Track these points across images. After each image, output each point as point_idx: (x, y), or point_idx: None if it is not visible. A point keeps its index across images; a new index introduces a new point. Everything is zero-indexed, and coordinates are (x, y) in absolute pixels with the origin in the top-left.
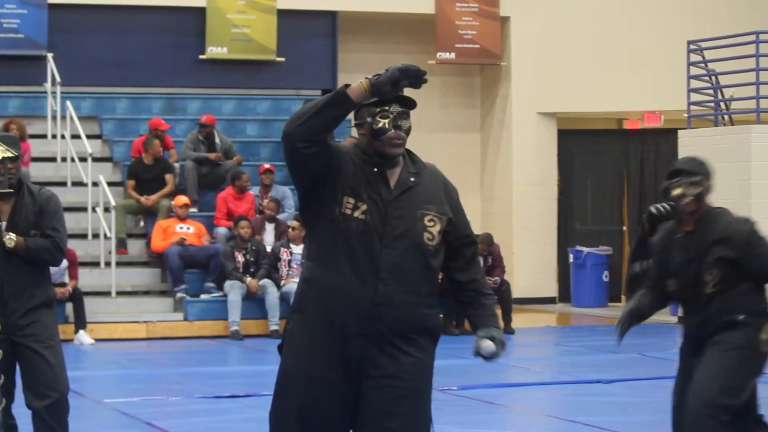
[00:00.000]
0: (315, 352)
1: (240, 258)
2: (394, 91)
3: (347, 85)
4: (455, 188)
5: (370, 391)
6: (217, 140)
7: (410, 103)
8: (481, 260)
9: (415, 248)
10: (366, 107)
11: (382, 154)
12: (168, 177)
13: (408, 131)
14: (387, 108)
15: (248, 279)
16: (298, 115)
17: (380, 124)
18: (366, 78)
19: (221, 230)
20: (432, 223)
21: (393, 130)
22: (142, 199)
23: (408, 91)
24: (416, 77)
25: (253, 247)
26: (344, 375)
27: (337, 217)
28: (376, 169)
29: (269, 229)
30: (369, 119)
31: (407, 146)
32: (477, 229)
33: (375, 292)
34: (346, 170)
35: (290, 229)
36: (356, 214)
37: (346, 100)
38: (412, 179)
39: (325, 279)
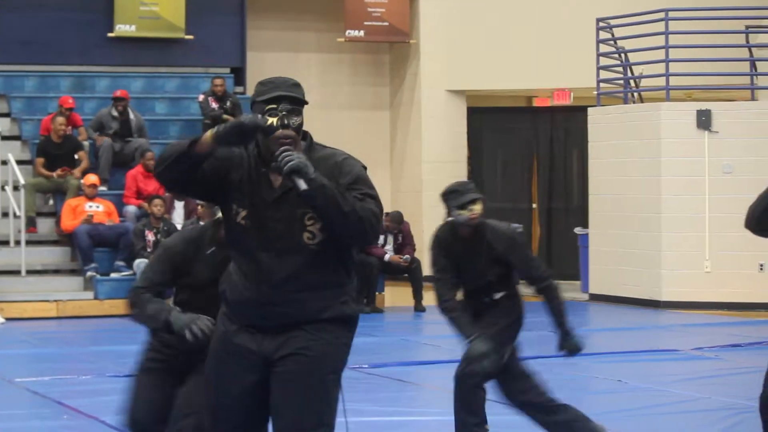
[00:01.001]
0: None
1: (150, 237)
2: (242, 140)
3: (196, 140)
4: (354, 165)
5: (272, 377)
6: (131, 116)
7: (299, 101)
8: (392, 238)
9: (295, 249)
10: (257, 104)
11: (272, 152)
12: (81, 154)
13: (298, 129)
14: (275, 106)
15: None
16: (159, 161)
17: (268, 122)
18: (211, 130)
19: (131, 209)
20: (311, 222)
21: (281, 129)
22: (56, 174)
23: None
24: (253, 130)
25: (165, 227)
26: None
27: (230, 224)
28: (264, 170)
29: (178, 208)
30: (259, 117)
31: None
32: (387, 206)
33: (258, 293)
34: (234, 178)
35: (199, 207)
36: (238, 219)
37: (193, 154)
38: (344, 172)
39: (227, 282)
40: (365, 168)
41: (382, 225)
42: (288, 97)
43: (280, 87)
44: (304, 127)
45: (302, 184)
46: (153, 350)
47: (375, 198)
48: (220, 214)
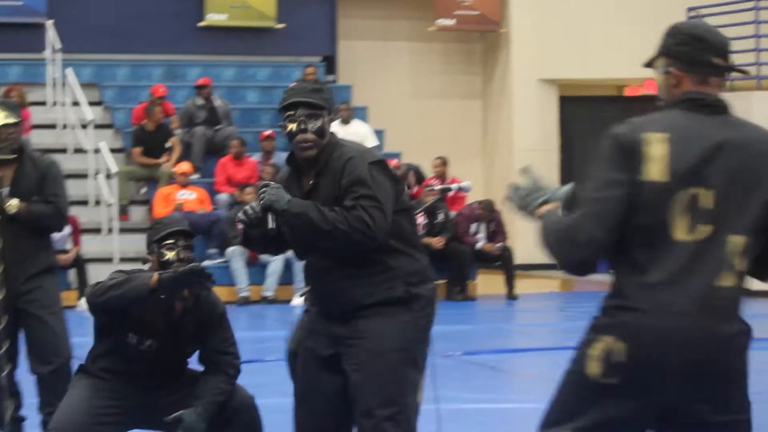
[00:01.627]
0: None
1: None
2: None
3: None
4: (356, 167)
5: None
6: (217, 103)
7: (318, 106)
8: (484, 227)
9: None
10: (281, 111)
11: (298, 157)
12: (173, 140)
13: (319, 132)
14: (293, 112)
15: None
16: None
17: (288, 128)
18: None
19: (222, 196)
20: None
21: (299, 134)
22: (163, 160)
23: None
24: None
25: None
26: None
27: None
28: (295, 174)
29: None
30: (281, 125)
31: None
32: (479, 195)
33: (316, 283)
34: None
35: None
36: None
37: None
38: (312, 181)
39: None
40: (380, 162)
41: (383, 226)
42: (304, 103)
43: (298, 93)
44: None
45: (270, 222)
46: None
47: (372, 198)
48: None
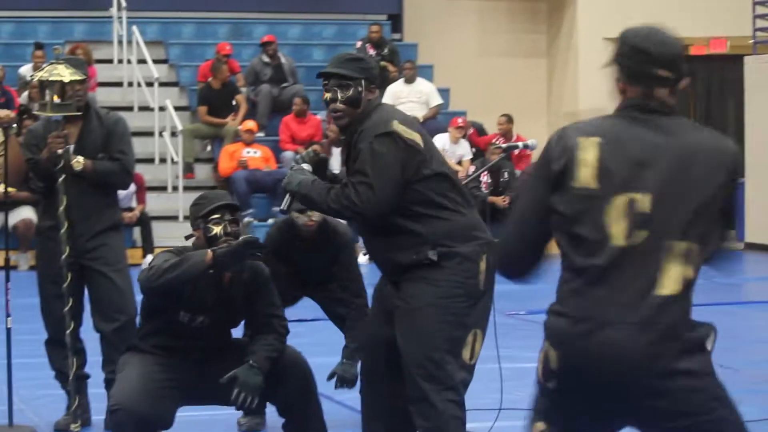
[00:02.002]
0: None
1: None
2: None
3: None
4: (369, 146)
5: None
6: (283, 60)
7: (348, 76)
8: None
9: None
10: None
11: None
12: (239, 98)
13: (349, 101)
14: (327, 82)
15: None
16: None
17: (324, 97)
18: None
19: (287, 154)
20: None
21: (331, 103)
22: (229, 119)
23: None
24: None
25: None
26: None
27: None
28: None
29: (335, 154)
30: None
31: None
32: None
33: (368, 250)
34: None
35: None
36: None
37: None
38: (360, 143)
39: None
40: (388, 134)
41: (372, 201)
42: (336, 74)
43: (333, 63)
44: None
45: (284, 202)
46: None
47: (362, 173)
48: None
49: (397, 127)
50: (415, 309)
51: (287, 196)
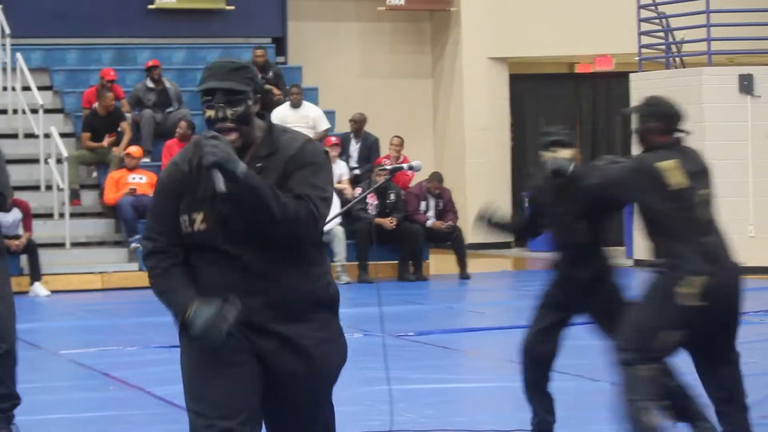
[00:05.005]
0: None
1: None
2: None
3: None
4: (314, 153)
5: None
6: (167, 85)
7: (237, 90)
8: (433, 204)
9: (258, 239)
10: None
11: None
12: (123, 125)
13: (240, 118)
14: (210, 98)
15: None
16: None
17: (207, 115)
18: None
19: None
20: None
21: (219, 122)
22: (106, 142)
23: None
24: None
25: None
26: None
27: (186, 235)
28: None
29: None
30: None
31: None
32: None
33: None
34: (188, 189)
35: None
36: (196, 226)
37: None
38: (259, 164)
39: None
40: (327, 152)
41: (326, 217)
42: (222, 89)
43: (216, 75)
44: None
45: (220, 183)
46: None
47: (323, 189)
48: None
49: None
50: (328, 379)
51: (217, 175)
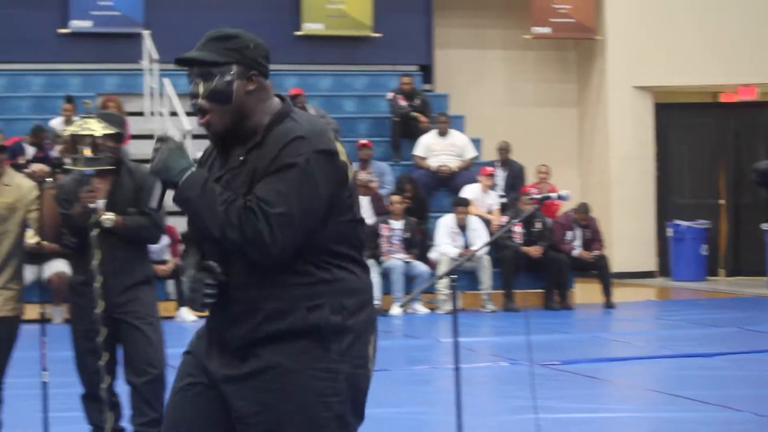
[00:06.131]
0: None
1: None
2: None
3: None
4: (296, 152)
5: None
6: (312, 112)
7: (210, 62)
8: (580, 233)
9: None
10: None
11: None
12: None
13: (213, 95)
14: (189, 71)
15: None
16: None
17: (189, 90)
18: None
19: None
20: None
21: (193, 98)
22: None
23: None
24: None
25: None
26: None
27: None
28: (219, 147)
29: (365, 205)
30: None
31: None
32: (575, 204)
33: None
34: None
35: (391, 204)
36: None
37: None
38: (242, 157)
39: None
40: (329, 154)
41: (286, 244)
42: (195, 60)
43: (197, 45)
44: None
45: (154, 198)
46: None
47: (281, 202)
48: None
49: (338, 145)
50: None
51: (158, 188)
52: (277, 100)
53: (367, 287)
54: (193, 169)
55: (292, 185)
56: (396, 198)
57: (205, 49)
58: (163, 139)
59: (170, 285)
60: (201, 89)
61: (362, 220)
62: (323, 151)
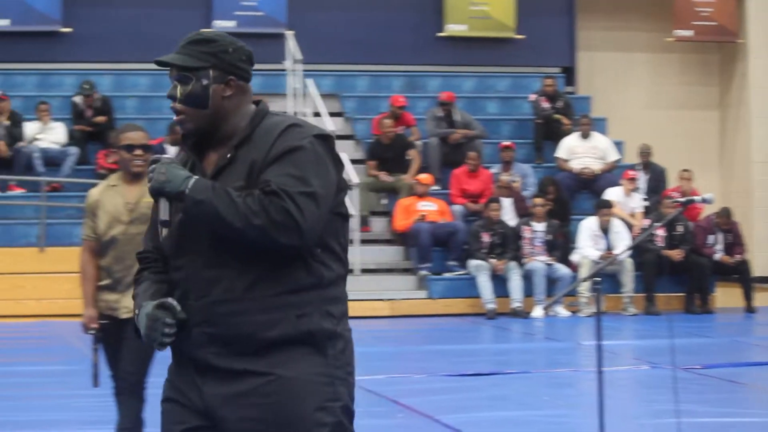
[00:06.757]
0: None
1: (486, 238)
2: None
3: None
4: (296, 137)
5: None
6: (456, 117)
7: (186, 67)
8: (721, 237)
9: (205, 254)
10: None
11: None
12: (412, 153)
13: (190, 98)
14: (170, 75)
15: (494, 261)
16: None
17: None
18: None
19: (456, 208)
20: None
21: (172, 101)
22: (381, 175)
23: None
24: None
25: (501, 229)
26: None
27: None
28: (195, 158)
29: (507, 206)
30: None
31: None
32: (716, 208)
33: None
34: None
35: (533, 206)
36: (162, 236)
37: None
38: (229, 154)
39: None
40: (327, 138)
41: (315, 223)
42: (174, 65)
43: (177, 48)
44: None
45: (163, 211)
46: None
47: (304, 182)
48: None
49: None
50: None
51: (162, 202)
52: (252, 105)
53: (346, 295)
54: (193, 176)
55: (305, 167)
56: (538, 200)
57: (183, 52)
58: (155, 161)
59: None
60: (178, 92)
61: (347, 215)
62: (322, 136)
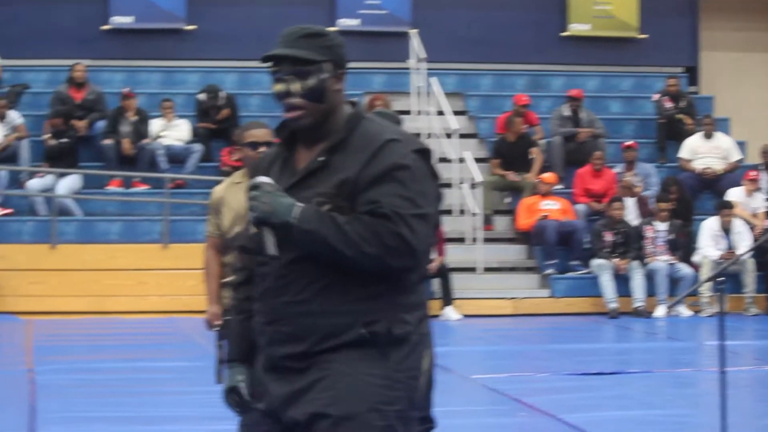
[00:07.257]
0: None
1: (609, 237)
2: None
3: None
4: (396, 153)
5: None
6: (582, 115)
7: (307, 60)
8: None
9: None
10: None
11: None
12: (534, 152)
13: (311, 94)
14: (278, 69)
15: (616, 260)
16: None
17: (275, 90)
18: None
19: (580, 207)
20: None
21: (285, 98)
22: (510, 175)
23: None
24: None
25: (623, 229)
26: None
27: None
28: (286, 148)
29: (630, 206)
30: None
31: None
32: None
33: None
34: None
35: (656, 206)
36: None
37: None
38: (322, 158)
39: None
40: (426, 152)
41: (427, 243)
42: (290, 58)
43: (284, 42)
44: None
45: (269, 245)
46: None
47: (414, 203)
48: None
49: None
50: None
51: (267, 233)
52: (348, 106)
53: (425, 300)
54: (297, 203)
55: (413, 186)
56: (662, 200)
57: (298, 46)
58: (256, 186)
59: (436, 283)
60: (295, 87)
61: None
62: (421, 151)
